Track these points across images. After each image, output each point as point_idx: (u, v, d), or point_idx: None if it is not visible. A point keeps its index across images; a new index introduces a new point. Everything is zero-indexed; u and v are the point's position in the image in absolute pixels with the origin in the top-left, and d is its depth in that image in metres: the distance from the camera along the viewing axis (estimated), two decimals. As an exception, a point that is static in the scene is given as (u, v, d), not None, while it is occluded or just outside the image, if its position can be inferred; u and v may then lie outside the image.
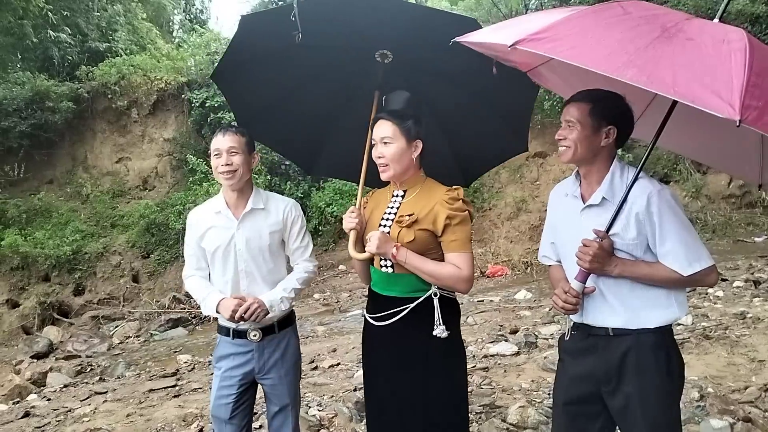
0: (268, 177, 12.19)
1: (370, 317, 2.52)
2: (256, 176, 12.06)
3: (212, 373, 2.89)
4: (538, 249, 2.51)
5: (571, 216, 2.22)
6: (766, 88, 1.50)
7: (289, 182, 12.62)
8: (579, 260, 2.07)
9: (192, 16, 22.85)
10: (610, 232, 2.07)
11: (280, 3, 19.21)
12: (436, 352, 2.37)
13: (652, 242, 2.06)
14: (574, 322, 2.24)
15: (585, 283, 2.11)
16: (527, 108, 3.15)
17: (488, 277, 10.36)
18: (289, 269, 2.86)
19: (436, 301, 2.35)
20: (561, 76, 2.46)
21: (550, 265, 2.43)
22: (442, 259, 2.38)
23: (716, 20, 1.89)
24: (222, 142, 2.64)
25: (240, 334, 2.72)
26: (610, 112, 2.09)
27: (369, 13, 2.45)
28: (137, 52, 14.81)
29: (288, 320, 2.83)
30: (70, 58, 13.67)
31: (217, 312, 2.65)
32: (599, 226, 2.06)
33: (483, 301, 8.40)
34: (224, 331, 2.77)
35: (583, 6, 1.90)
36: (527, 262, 10.52)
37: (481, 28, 2.29)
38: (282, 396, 2.78)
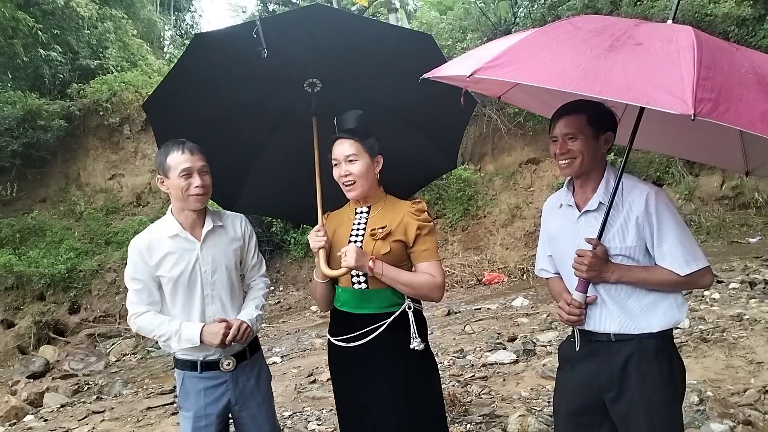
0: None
1: (338, 340, 2.49)
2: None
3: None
4: (534, 255, 2.53)
5: (568, 225, 2.24)
6: (717, 80, 1.54)
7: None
8: (576, 271, 2.09)
9: (183, 32, 22.95)
10: (610, 240, 2.08)
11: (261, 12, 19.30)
12: (414, 365, 2.41)
13: (650, 244, 2.08)
14: (575, 329, 2.24)
15: (586, 293, 2.12)
16: (460, 124, 3.20)
17: (485, 284, 10.35)
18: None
19: (411, 314, 2.39)
20: (534, 96, 2.51)
21: (548, 278, 2.44)
22: (410, 270, 2.42)
23: (669, 21, 1.94)
24: (192, 160, 2.42)
25: (209, 366, 2.50)
26: (604, 119, 2.14)
27: (305, 38, 2.46)
28: (128, 69, 14.82)
29: (255, 344, 2.68)
30: (61, 76, 13.66)
31: (200, 342, 2.41)
32: (596, 232, 2.07)
33: (480, 309, 8.39)
34: (188, 365, 2.52)
35: (536, 28, 1.97)
36: (523, 268, 10.52)
37: (429, 39, 2.46)
38: (262, 425, 2.60)
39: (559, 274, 2.36)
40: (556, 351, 2.47)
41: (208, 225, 2.54)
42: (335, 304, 2.56)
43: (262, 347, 2.79)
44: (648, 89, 1.50)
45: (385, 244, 2.36)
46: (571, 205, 2.25)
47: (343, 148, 2.41)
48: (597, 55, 1.62)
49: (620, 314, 2.10)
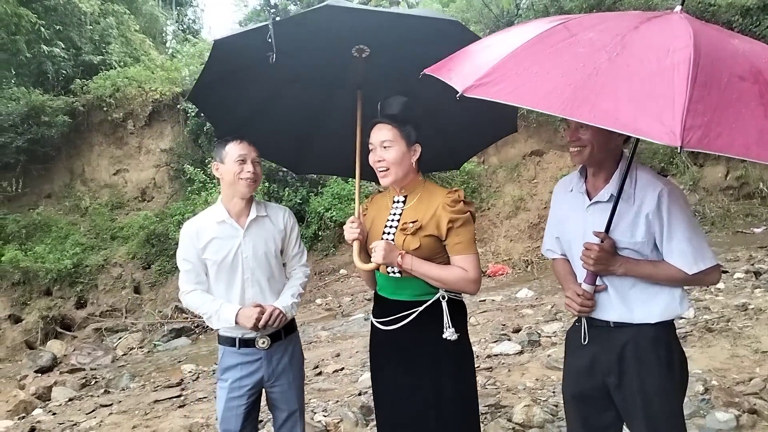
0: (266, 184, 12.20)
1: (378, 322, 2.52)
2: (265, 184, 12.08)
3: (216, 382, 2.86)
4: (538, 247, 2.54)
5: (576, 212, 2.24)
6: (712, 100, 1.47)
7: (287, 188, 12.64)
8: (584, 263, 2.10)
9: (185, 27, 22.95)
10: (619, 233, 2.08)
11: (273, 12, 19.26)
12: (446, 355, 2.37)
13: (659, 240, 2.07)
14: (582, 318, 2.25)
15: (595, 284, 2.13)
16: (485, 137, 3.25)
17: (489, 276, 10.37)
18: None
19: (444, 304, 2.35)
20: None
21: (554, 259, 2.44)
22: (448, 261, 2.38)
23: (678, 8, 1.85)
24: (248, 149, 2.66)
25: (246, 343, 2.69)
26: None
27: (342, 17, 2.44)
28: (131, 64, 14.85)
29: (291, 326, 2.85)
30: (64, 72, 13.69)
31: (236, 323, 2.62)
32: (605, 223, 2.07)
33: (485, 300, 8.41)
34: (229, 341, 2.73)
35: (534, 26, 1.89)
36: (527, 260, 10.53)
37: (457, 24, 2.36)
38: (291, 401, 2.79)
39: (565, 255, 2.37)
40: (561, 342, 2.49)
41: (252, 214, 2.73)
42: (376, 287, 2.59)
43: None
44: (637, 116, 1.45)
45: (415, 239, 2.33)
46: (582, 192, 2.24)
47: (381, 133, 2.39)
48: (589, 73, 1.57)
49: (621, 304, 2.12)
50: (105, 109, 13.35)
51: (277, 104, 3.05)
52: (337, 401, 4.81)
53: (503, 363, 5.29)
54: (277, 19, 2.30)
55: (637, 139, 2.03)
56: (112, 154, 13.83)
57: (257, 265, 2.70)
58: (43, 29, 12.45)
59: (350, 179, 3.13)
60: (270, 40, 2.30)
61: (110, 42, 15.03)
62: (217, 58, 2.66)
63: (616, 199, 2.04)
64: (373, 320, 2.58)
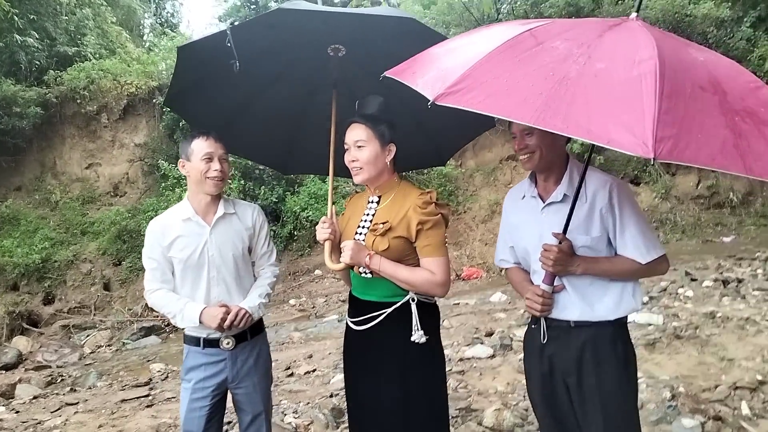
0: (242, 182, 12.10)
1: (351, 321, 2.53)
2: (230, 181, 11.96)
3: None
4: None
5: (531, 216, 2.30)
6: (679, 110, 1.50)
7: (263, 187, 12.55)
8: (542, 264, 2.15)
9: (163, 20, 22.66)
10: (576, 231, 2.14)
11: (252, 8, 19.14)
12: (414, 357, 2.37)
13: (612, 233, 2.15)
14: (540, 319, 2.28)
15: (553, 284, 2.18)
16: (465, 133, 3.22)
17: (464, 279, 10.42)
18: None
19: (413, 307, 2.35)
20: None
21: (507, 269, 2.51)
22: (418, 264, 2.38)
23: (634, 14, 1.88)
24: (214, 146, 2.60)
25: (211, 343, 2.65)
26: None
27: (316, 18, 2.44)
28: (107, 57, 14.62)
29: (258, 327, 2.81)
30: (37, 62, 13.39)
31: (200, 322, 2.57)
32: (561, 223, 2.12)
33: (459, 304, 8.43)
34: (193, 341, 2.70)
35: (502, 30, 1.90)
36: (502, 264, 10.58)
37: (417, 24, 2.38)
38: (256, 404, 2.75)
39: (519, 264, 2.43)
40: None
41: (220, 211, 2.68)
42: (350, 287, 2.59)
43: None
44: (609, 127, 1.47)
45: (384, 240, 2.33)
46: (534, 197, 2.30)
47: (354, 133, 2.39)
48: (559, 81, 1.59)
49: (580, 302, 2.17)
50: (79, 101, 13.10)
51: (258, 106, 3.03)
52: (308, 403, 4.77)
53: (475, 366, 5.31)
54: (236, 23, 2.27)
55: (593, 144, 2.09)
56: (85, 148, 13.58)
57: (223, 264, 2.66)
58: (16, 18, 12.17)
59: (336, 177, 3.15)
60: (229, 45, 2.28)
61: (86, 33, 14.76)
62: (186, 64, 2.66)
63: (574, 198, 2.09)
64: (347, 320, 2.58)
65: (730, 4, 12.21)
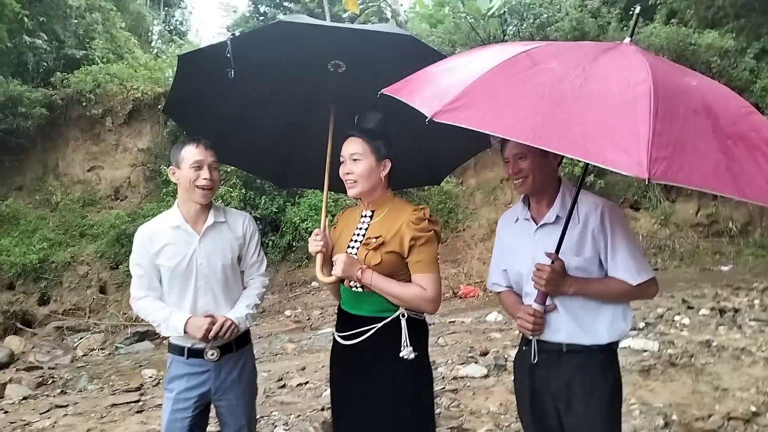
0: (243, 191, 12.11)
1: (339, 336, 2.52)
2: (231, 190, 11.98)
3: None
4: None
5: (525, 238, 2.32)
6: (672, 132, 1.52)
7: (263, 197, 12.55)
8: (535, 284, 2.16)
9: (171, 28, 22.85)
10: (569, 252, 2.16)
11: (261, 20, 19.29)
12: (402, 373, 2.36)
13: (603, 255, 2.17)
14: (525, 338, 2.30)
15: (545, 304, 2.19)
16: (463, 151, 3.24)
17: (460, 297, 10.39)
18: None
19: (403, 323, 2.35)
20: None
21: (499, 292, 2.52)
22: (409, 280, 2.38)
23: (627, 40, 1.93)
24: (204, 154, 2.56)
25: (195, 354, 2.60)
26: None
27: (317, 33, 2.47)
28: (114, 61, 14.66)
29: (245, 339, 2.76)
30: (45, 64, 13.45)
31: (185, 332, 2.53)
32: (554, 244, 2.14)
33: (454, 321, 8.41)
34: (177, 350, 2.65)
35: (499, 51, 1.93)
36: (499, 284, 10.56)
37: (416, 42, 2.41)
38: (239, 417, 2.70)
39: (511, 287, 2.44)
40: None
41: (210, 220, 2.64)
42: (340, 301, 2.58)
43: None
44: (604, 147, 1.50)
45: (376, 255, 2.34)
46: (528, 219, 2.33)
47: (351, 146, 2.41)
48: (555, 101, 1.61)
49: (572, 324, 2.18)
50: (84, 104, 13.13)
51: (256, 117, 3.03)
52: (299, 415, 4.75)
53: (468, 386, 5.28)
54: (236, 34, 2.30)
55: (586, 165, 2.12)
56: (88, 150, 13.59)
57: (212, 273, 2.61)
58: (26, 19, 12.25)
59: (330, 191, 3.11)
60: (228, 55, 2.29)
61: (94, 37, 14.83)
62: (186, 72, 2.66)
63: (567, 219, 2.11)
64: (335, 334, 2.57)
65: (734, 34, 12.34)
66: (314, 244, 2.51)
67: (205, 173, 2.56)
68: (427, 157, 3.17)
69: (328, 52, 2.64)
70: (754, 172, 1.59)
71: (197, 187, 2.56)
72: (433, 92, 1.84)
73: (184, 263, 2.58)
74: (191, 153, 2.56)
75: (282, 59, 2.65)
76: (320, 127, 2.94)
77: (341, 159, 2.46)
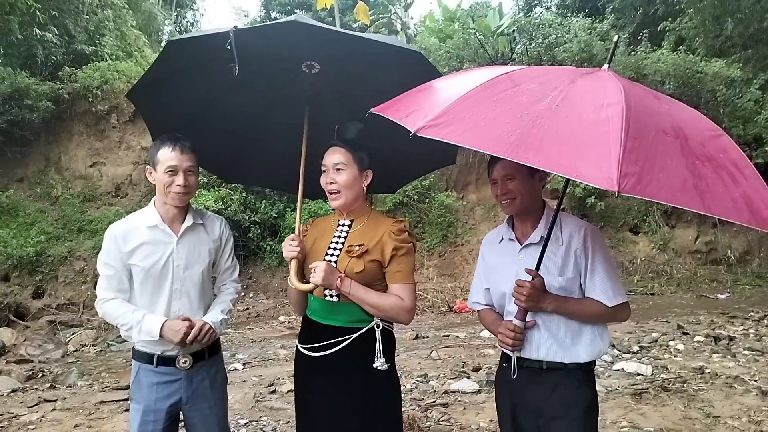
0: (243, 194, 12.11)
1: (304, 348, 2.48)
2: (231, 192, 11.99)
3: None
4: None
5: (509, 258, 2.38)
6: (642, 151, 1.61)
7: (264, 201, 12.56)
8: (515, 299, 2.21)
9: (182, 29, 22.93)
10: (552, 272, 2.22)
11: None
12: (375, 385, 2.38)
13: (583, 276, 2.24)
14: (505, 355, 2.35)
15: (525, 320, 2.24)
16: (422, 165, 3.25)
17: (456, 312, 10.35)
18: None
19: (378, 333, 2.36)
20: None
21: (480, 311, 2.55)
22: (385, 290, 2.40)
23: (606, 66, 2.03)
24: (179, 159, 2.46)
25: (166, 361, 2.49)
26: None
27: (296, 30, 2.41)
28: (123, 59, 14.72)
29: (216, 346, 2.67)
30: (54, 58, 13.49)
31: (160, 336, 2.42)
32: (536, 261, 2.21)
33: (448, 336, 8.39)
34: (145, 357, 2.53)
35: (482, 74, 2.02)
36: (495, 300, 10.54)
37: (419, 56, 2.43)
38: (211, 428, 2.59)
39: (491, 305, 2.48)
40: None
41: (188, 221, 2.56)
42: (307, 312, 2.55)
43: (224, 352, 2.77)
44: (577, 162, 1.58)
45: (359, 262, 2.35)
46: (512, 239, 2.40)
47: (334, 156, 2.42)
48: (532, 119, 1.70)
49: (552, 342, 2.24)
50: (90, 99, 13.17)
51: (217, 110, 2.94)
52: (288, 422, 4.73)
53: (459, 400, 5.26)
54: (239, 27, 2.26)
55: (565, 186, 2.32)
56: (91, 146, 13.62)
57: (188, 276, 2.53)
58: (38, 12, 12.29)
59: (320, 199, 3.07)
60: (229, 48, 2.20)
61: (105, 34, 14.89)
62: (167, 58, 2.55)
63: (547, 237, 2.18)
64: (299, 346, 2.52)
65: (741, 64, 12.40)
66: (290, 250, 2.46)
67: (179, 179, 2.46)
68: (387, 166, 3.13)
69: (303, 51, 2.60)
70: (720, 190, 1.69)
71: (170, 192, 2.48)
72: (417, 109, 1.93)
73: (160, 264, 2.48)
74: (166, 156, 2.46)
75: (261, 54, 2.56)
76: (280, 127, 2.91)
77: (323, 168, 2.46)
